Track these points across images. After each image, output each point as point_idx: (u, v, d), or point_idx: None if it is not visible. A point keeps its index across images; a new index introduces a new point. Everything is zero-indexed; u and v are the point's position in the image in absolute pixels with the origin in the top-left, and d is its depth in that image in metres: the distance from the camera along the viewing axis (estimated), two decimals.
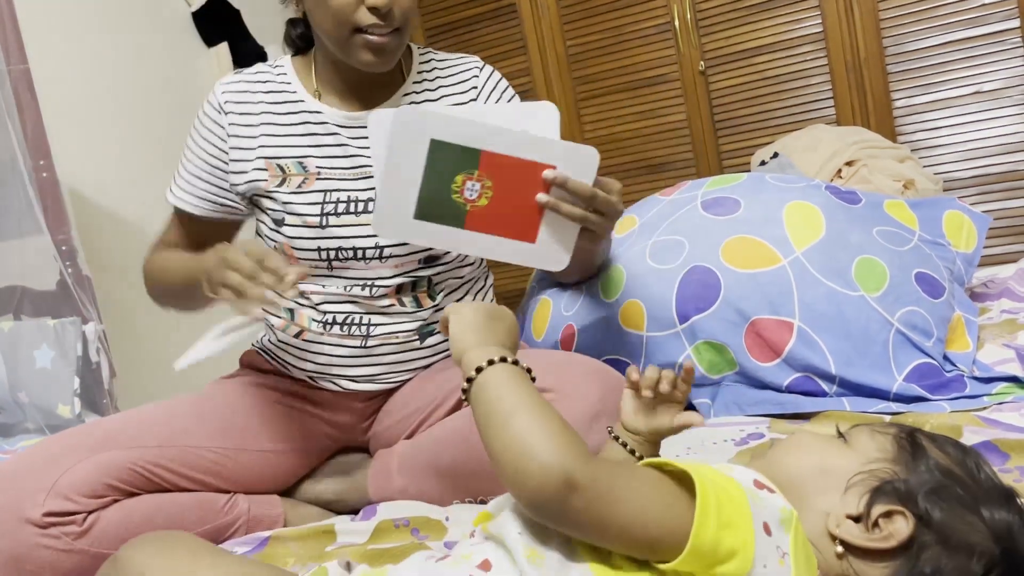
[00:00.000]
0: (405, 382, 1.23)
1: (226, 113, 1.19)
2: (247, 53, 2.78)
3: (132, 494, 1.04)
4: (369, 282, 1.17)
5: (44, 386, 1.83)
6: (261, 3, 2.86)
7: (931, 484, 0.63)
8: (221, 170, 1.20)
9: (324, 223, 1.15)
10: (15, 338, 1.85)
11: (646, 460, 0.67)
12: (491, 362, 0.69)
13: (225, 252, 0.97)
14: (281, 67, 1.23)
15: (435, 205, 0.96)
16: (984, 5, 2.45)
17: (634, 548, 0.60)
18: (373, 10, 1.06)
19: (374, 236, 1.14)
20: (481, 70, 1.26)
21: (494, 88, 1.25)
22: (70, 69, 2.28)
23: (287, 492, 1.23)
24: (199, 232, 1.25)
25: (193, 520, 1.07)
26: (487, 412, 0.66)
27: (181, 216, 1.27)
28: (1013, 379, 1.21)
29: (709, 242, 1.39)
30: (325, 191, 1.16)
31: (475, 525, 0.71)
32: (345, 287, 1.18)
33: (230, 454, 1.14)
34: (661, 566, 0.59)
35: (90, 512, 0.99)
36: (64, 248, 1.85)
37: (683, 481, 0.62)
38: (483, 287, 1.31)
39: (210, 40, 2.73)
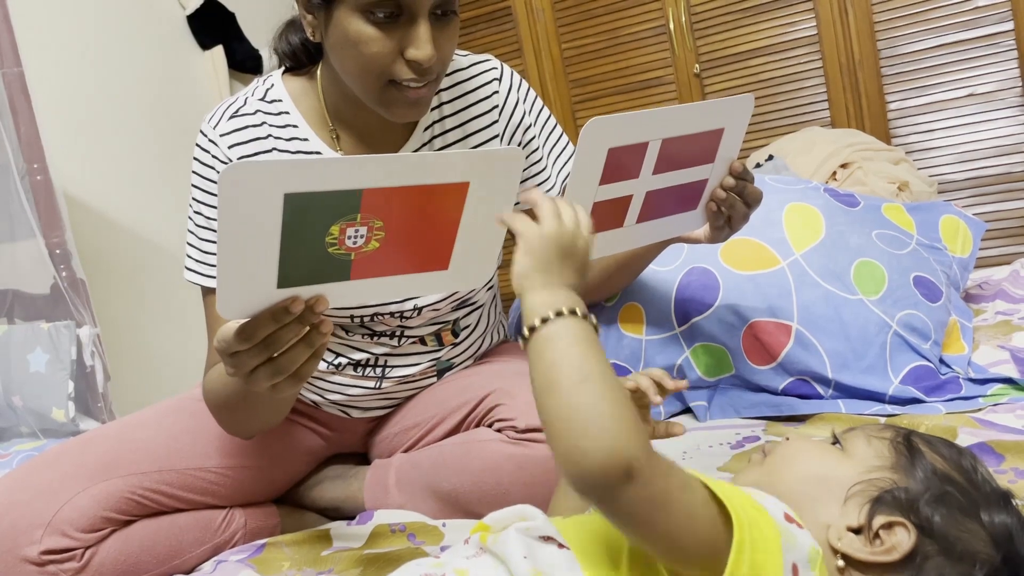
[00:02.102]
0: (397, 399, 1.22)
1: None
2: (242, 56, 2.77)
3: (129, 521, 1.02)
4: (399, 331, 1.14)
5: (38, 390, 1.82)
6: (256, 6, 2.86)
7: (931, 492, 0.62)
8: None
9: None
10: (8, 342, 1.85)
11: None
12: (559, 313, 0.61)
13: (236, 326, 0.73)
14: (279, 100, 1.05)
15: (305, 267, 0.72)
16: (978, 8, 2.46)
17: (670, 555, 0.57)
18: (412, 64, 0.91)
19: (413, 298, 1.07)
20: (500, 80, 1.12)
21: (516, 105, 1.12)
22: (64, 72, 2.28)
23: (282, 496, 1.22)
24: None
25: (191, 541, 1.05)
26: (547, 374, 0.59)
27: (212, 298, 1.05)
28: (1008, 380, 1.21)
29: None
30: None
31: (472, 533, 0.69)
32: (372, 336, 1.14)
33: (228, 472, 1.10)
34: None
35: (88, 547, 0.97)
36: (58, 252, 1.84)
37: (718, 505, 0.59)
38: (494, 299, 1.29)
39: (205, 43, 2.72)
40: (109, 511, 0.99)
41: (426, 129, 1.09)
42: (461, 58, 1.13)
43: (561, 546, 0.63)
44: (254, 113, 1.04)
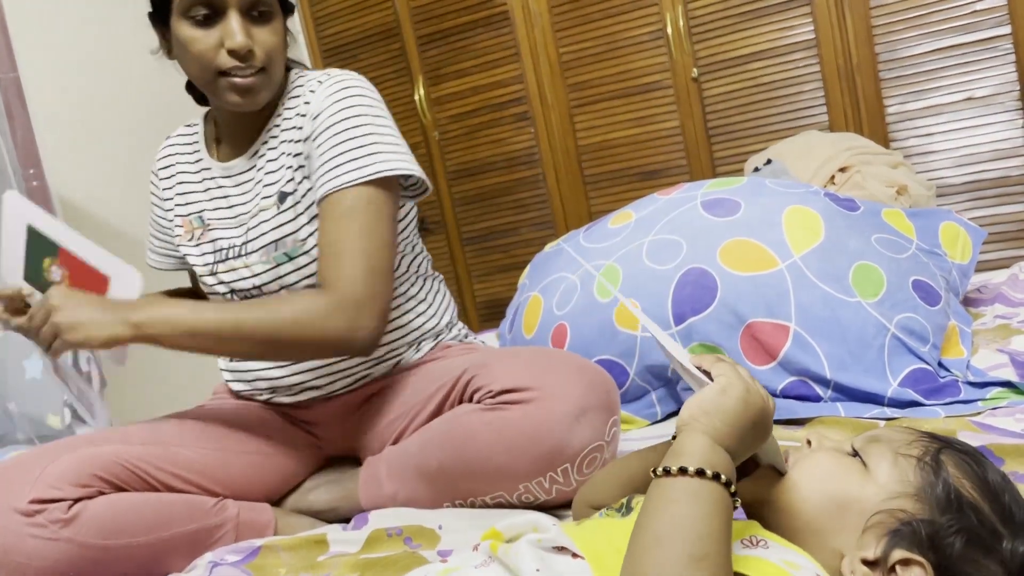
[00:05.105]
0: (339, 385, 1.22)
1: (158, 176, 1.30)
2: None
3: (121, 490, 1.04)
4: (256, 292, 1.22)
5: (34, 396, 1.82)
6: None
7: (952, 527, 0.61)
8: (167, 230, 1.31)
9: (214, 271, 1.22)
10: (4, 348, 1.84)
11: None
12: (701, 473, 0.57)
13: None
14: (196, 124, 1.30)
15: (34, 277, 1.14)
16: (975, 12, 2.46)
17: None
18: (232, 53, 1.08)
19: (251, 277, 1.18)
20: (315, 91, 1.13)
21: (318, 115, 1.11)
22: (60, 77, 2.28)
23: (277, 503, 1.21)
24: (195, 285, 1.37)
25: (181, 518, 1.06)
26: (668, 524, 0.56)
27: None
28: (1007, 384, 1.20)
29: (707, 244, 1.38)
30: (215, 240, 1.22)
31: (482, 540, 0.67)
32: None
33: (214, 455, 1.14)
34: None
35: (76, 500, 0.99)
36: None
37: None
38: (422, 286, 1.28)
39: None
40: (98, 470, 1.02)
41: (264, 143, 1.19)
42: (310, 78, 1.18)
43: (575, 556, 0.62)
44: (177, 136, 1.31)
